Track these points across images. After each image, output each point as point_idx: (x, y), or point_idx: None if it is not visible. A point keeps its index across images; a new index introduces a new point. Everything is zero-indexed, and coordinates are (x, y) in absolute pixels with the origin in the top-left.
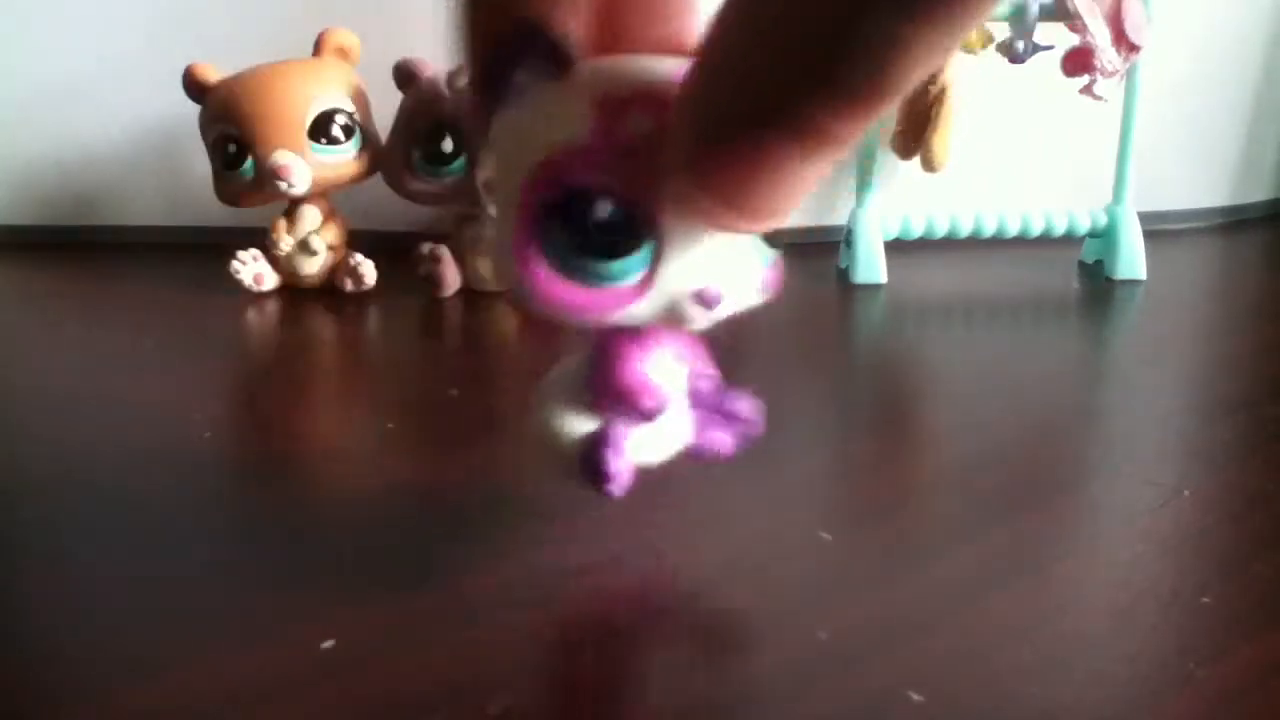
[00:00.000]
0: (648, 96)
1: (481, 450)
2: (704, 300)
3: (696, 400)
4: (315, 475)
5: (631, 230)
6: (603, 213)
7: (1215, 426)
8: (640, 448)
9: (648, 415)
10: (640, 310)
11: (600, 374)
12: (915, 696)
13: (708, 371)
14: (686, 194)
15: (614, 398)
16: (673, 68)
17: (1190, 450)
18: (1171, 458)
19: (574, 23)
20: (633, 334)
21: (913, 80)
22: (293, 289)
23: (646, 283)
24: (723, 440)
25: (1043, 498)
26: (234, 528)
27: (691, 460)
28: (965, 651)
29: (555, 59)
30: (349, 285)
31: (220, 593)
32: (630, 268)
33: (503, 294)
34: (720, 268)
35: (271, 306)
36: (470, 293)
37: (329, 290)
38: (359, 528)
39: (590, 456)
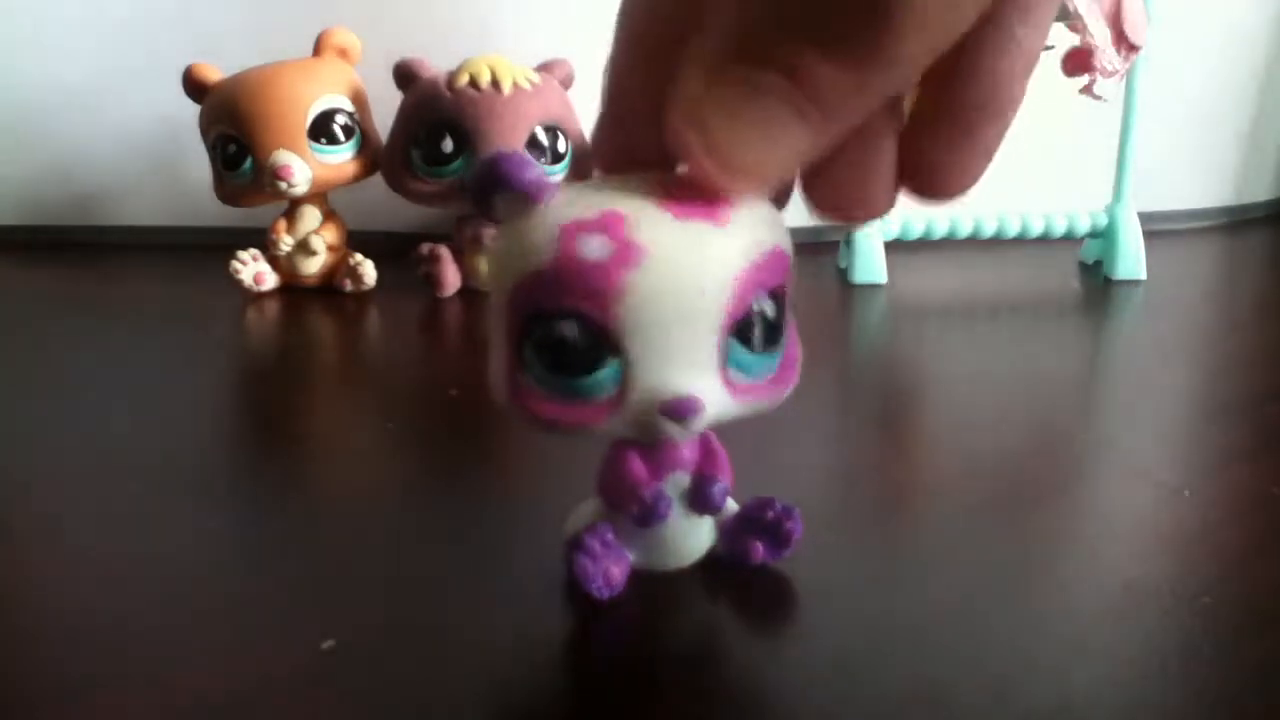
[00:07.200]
0: (607, 218)
1: (482, 450)
2: (671, 413)
3: (704, 506)
4: (315, 475)
5: (594, 348)
6: (566, 333)
7: (1216, 426)
8: (649, 552)
9: (638, 520)
10: (616, 424)
11: (599, 476)
12: (915, 696)
13: (718, 478)
14: (677, 132)
15: (606, 500)
16: (656, 182)
17: (1190, 450)
18: (1171, 458)
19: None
20: (635, 440)
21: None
22: (293, 289)
23: (620, 398)
24: (755, 548)
25: (1043, 497)
26: (233, 527)
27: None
28: (965, 652)
29: (527, 193)
30: (349, 285)
31: (220, 592)
32: (600, 384)
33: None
34: (692, 380)
35: (271, 306)
36: (470, 293)
37: (329, 290)
38: (359, 527)
39: (567, 557)
